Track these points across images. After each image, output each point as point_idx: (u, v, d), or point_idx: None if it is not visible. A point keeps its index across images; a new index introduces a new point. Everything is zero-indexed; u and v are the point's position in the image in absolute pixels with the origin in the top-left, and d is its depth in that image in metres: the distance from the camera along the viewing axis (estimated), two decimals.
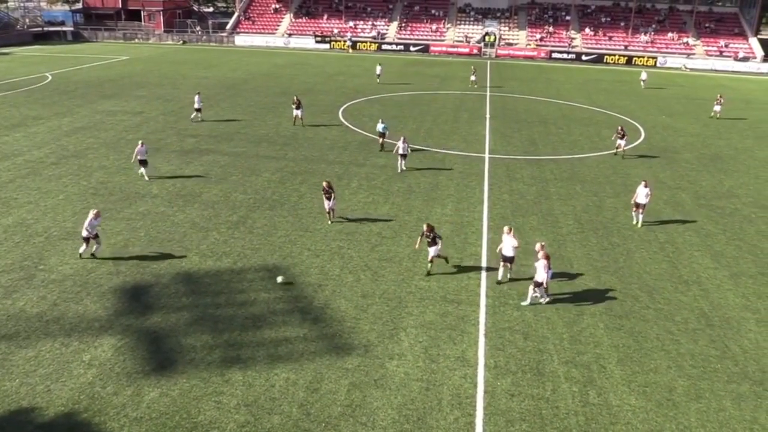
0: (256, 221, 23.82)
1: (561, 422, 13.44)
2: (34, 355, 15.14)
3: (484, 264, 20.77)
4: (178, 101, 46.21)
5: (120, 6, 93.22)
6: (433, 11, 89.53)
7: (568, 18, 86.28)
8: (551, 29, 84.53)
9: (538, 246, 18.50)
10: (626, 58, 77.84)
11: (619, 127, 34.15)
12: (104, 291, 18.24)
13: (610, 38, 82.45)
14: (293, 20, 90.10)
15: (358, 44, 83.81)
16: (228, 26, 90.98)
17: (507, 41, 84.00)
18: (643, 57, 77.82)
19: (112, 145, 33.47)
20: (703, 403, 14.22)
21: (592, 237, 23.36)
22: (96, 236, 19.99)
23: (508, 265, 19.34)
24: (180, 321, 16.87)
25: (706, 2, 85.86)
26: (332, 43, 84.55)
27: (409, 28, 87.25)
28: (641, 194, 23.96)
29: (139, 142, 28.51)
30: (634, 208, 24.51)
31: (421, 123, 41.14)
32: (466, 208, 25.76)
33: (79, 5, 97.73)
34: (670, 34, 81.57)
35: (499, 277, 19.57)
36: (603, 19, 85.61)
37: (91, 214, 19.83)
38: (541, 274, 17.47)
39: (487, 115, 44.23)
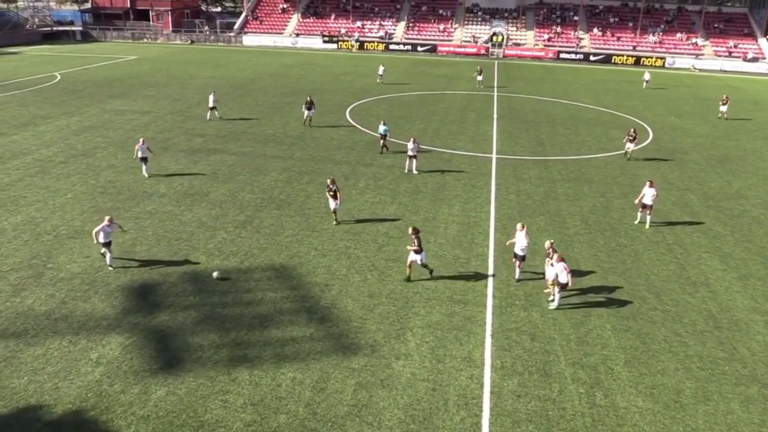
0: (264, 221, 23.87)
1: (567, 423, 13.41)
2: (42, 353, 15.23)
3: (491, 264, 20.73)
4: (185, 101, 46.36)
5: (128, 6, 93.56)
6: (440, 11, 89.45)
7: (576, 18, 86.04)
8: (559, 29, 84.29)
9: (547, 244, 18.76)
10: (634, 58, 77.53)
11: (632, 130, 33.74)
12: (112, 289, 18.32)
13: (619, 39, 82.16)
14: (301, 20, 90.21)
15: (365, 44, 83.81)
16: (236, 26, 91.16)
17: (515, 41, 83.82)
18: (652, 57, 77.52)
19: (120, 144, 33.59)
20: (711, 405, 14.15)
21: (600, 238, 23.29)
22: (109, 244, 19.43)
23: (519, 263, 19.46)
24: (187, 320, 16.92)
25: (715, 2, 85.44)
26: (340, 43, 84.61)
27: (416, 28, 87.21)
28: (648, 195, 23.87)
29: (140, 139, 28.72)
30: (641, 209, 24.42)
31: (429, 123, 41.12)
32: (473, 209, 25.72)
33: (88, 5, 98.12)
34: (678, 35, 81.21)
35: (516, 276, 19.67)
36: (611, 20, 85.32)
37: (105, 221, 19.26)
38: (564, 276, 17.46)
39: (495, 116, 44.16)
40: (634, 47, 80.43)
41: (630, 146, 33.30)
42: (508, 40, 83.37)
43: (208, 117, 40.25)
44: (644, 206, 24.18)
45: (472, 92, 53.90)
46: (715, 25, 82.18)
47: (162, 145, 33.95)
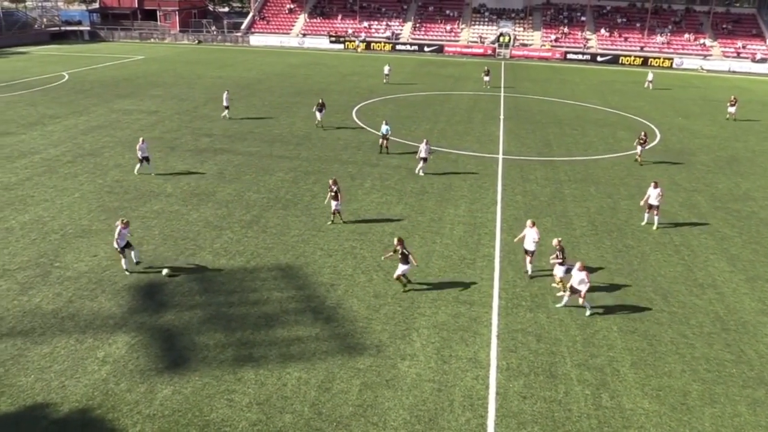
0: (270, 220, 23.90)
1: (573, 425, 13.37)
2: (49, 352, 15.30)
3: (497, 265, 20.70)
4: (192, 101, 46.49)
5: (136, 6, 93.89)
6: (447, 12, 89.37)
7: (583, 19, 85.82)
8: (566, 30, 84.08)
9: (555, 241, 18.93)
10: (642, 59, 77.25)
11: (643, 134, 33.18)
12: (119, 288, 18.38)
13: (626, 39, 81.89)
14: (308, 20, 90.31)
15: (372, 44, 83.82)
16: (243, 26, 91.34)
17: (522, 42, 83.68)
18: (660, 58, 77.24)
19: (128, 143, 33.69)
20: (718, 408, 14.09)
21: (606, 239, 23.22)
22: (128, 245, 19.21)
23: (530, 258, 19.81)
24: (193, 319, 16.97)
25: (723, 3, 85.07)
26: (346, 43, 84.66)
27: (423, 29, 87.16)
28: (653, 195, 23.79)
29: (140, 139, 28.92)
30: (647, 210, 24.34)
31: (435, 123, 41.09)
32: (479, 209, 25.69)
33: (96, 5, 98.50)
34: (686, 35, 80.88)
35: (529, 271, 19.97)
36: (619, 20, 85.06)
37: (120, 224, 18.96)
38: (583, 285, 17.32)
39: (501, 116, 44.10)
40: (642, 48, 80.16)
41: (640, 149, 32.77)
42: (515, 40, 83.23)
43: (225, 115, 40.55)
44: (651, 207, 24.11)
45: (479, 93, 53.83)
46: (724, 26, 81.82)
47: (169, 144, 34.06)
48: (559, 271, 18.65)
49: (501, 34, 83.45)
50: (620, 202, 27.09)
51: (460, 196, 27.16)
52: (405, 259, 18.21)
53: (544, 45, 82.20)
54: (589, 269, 20.34)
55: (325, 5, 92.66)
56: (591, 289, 19.17)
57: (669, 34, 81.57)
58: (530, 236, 19.47)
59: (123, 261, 19.33)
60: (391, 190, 27.65)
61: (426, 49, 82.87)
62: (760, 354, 16.19)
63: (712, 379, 15.12)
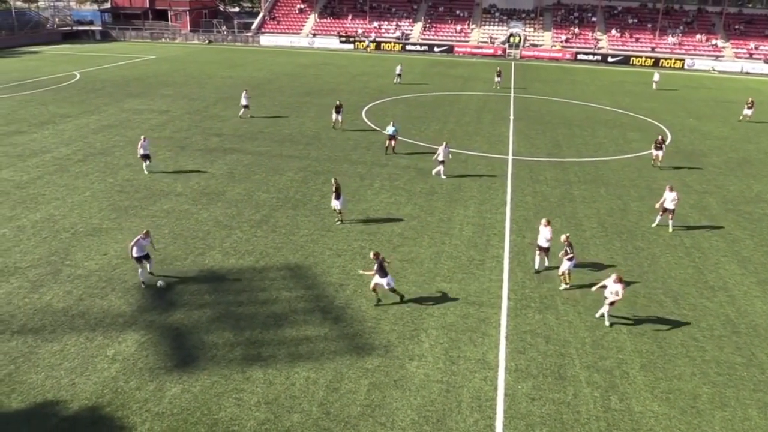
0: (279, 220, 23.96)
1: (582, 427, 13.32)
2: (59, 349, 15.39)
3: (506, 266, 20.65)
4: (203, 100, 46.67)
5: (147, 6, 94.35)
6: (457, 12, 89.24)
7: (594, 19, 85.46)
8: (577, 30, 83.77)
9: (563, 237, 19.09)
10: (653, 59, 76.84)
11: (659, 137, 32.46)
12: (128, 287, 18.47)
13: (637, 40, 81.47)
14: (318, 20, 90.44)
15: (382, 45, 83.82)
16: (253, 26, 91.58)
17: (532, 42, 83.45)
18: (671, 59, 76.81)
19: (138, 143, 33.81)
20: (728, 411, 13.99)
21: (616, 240, 23.11)
22: (147, 256, 18.56)
23: (543, 254, 20.05)
24: (202, 318, 17.03)
25: (735, 3, 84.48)
26: (356, 43, 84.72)
27: (433, 29, 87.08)
28: (668, 199, 23.61)
29: (142, 136, 29.17)
30: (661, 213, 24.16)
31: (444, 124, 41.04)
32: (488, 210, 25.64)
33: (108, 5, 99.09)
34: (698, 36, 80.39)
35: (536, 266, 20.24)
36: (630, 21, 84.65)
37: (140, 234, 18.52)
38: (618, 296, 16.87)
39: (511, 117, 43.99)
40: (653, 48, 79.73)
41: (658, 154, 31.89)
42: (525, 41, 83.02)
43: (245, 113, 40.92)
44: (665, 210, 23.91)
45: (489, 93, 53.72)
46: (736, 27, 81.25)
47: (179, 144, 34.21)
48: (565, 266, 18.94)
49: (511, 35, 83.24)
50: (630, 204, 26.95)
51: (470, 197, 27.12)
52: (382, 271, 17.45)
53: (555, 45, 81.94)
54: (596, 276, 20.30)
55: (336, 5, 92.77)
56: (601, 292, 19.11)
57: (680, 34, 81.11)
58: (544, 235, 19.83)
59: (140, 272, 18.55)
60: (400, 191, 27.64)
61: (436, 49, 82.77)
62: None
63: (722, 382, 15.02)
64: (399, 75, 57.07)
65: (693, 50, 78.83)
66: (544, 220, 20.12)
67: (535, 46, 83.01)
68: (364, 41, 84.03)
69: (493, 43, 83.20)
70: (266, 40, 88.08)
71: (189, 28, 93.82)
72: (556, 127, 41.33)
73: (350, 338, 16.29)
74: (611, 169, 32.12)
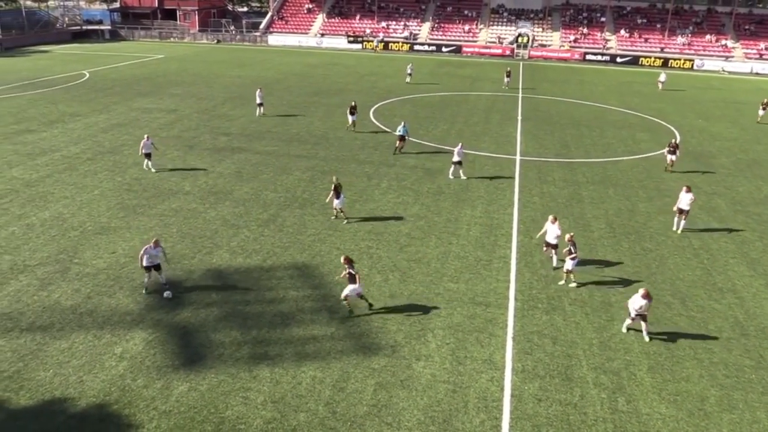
0: (286, 219, 23.99)
1: (589, 429, 13.28)
2: (67, 347, 15.48)
3: (513, 267, 20.61)
4: (211, 100, 46.80)
5: (156, 5, 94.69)
6: (465, 12, 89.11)
7: (603, 19, 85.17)
8: (585, 30, 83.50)
9: (567, 236, 19.20)
10: (662, 60, 76.49)
11: (673, 141, 32.04)
12: (136, 285, 18.54)
13: (646, 40, 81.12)
14: (326, 20, 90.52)
15: (390, 44, 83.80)
16: (261, 26, 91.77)
17: (540, 42, 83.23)
18: (680, 59, 76.44)
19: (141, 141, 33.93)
20: (737, 414, 13.91)
21: (624, 242, 23.02)
22: (158, 266, 18.02)
23: (552, 250, 20.42)
24: (209, 317, 17.08)
25: (746, 4, 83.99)
26: (364, 43, 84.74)
27: (441, 29, 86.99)
28: (684, 200, 23.43)
29: (145, 136, 29.34)
30: (678, 214, 23.97)
31: (452, 124, 40.99)
32: (496, 210, 25.59)
33: (117, 4, 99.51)
34: (708, 36, 79.97)
35: (555, 264, 20.47)
36: (639, 21, 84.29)
37: (150, 243, 17.94)
38: (644, 311, 16.39)
39: (519, 117, 43.89)
40: (662, 49, 79.37)
41: (669, 157, 31.49)
42: (533, 41, 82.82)
43: (261, 112, 41.49)
44: (681, 211, 23.73)
45: (497, 93, 53.62)
46: (746, 27, 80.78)
47: (187, 143, 34.32)
48: (569, 264, 19.08)
49: (519, 35, 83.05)
50: (638, 205, 26.84)
51: (477, 197, 27.08)
52: (352, 279, 16.89)
53: (563, 46, 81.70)
54: (604, 277, 20.23)
55: (344, 5, 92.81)
56: (609, 293, 19.05)
57: (690, 35, 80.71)
58: (552, 232, 20.11)
59: (145, 279, 18.13)
60: (407, 191, 27.63)
61: (444, 49, 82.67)
62: None
63: (730, 384, 14.94)
64: (410, 74, 57.19)
65: (702, 51, 78.42)
66: (551, 217, 20.37)
67: (544, 46, 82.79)
68: (372, 41, 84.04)
69: (502, 43, 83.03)
70: (274, 39, 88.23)
71: (198, 27, 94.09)
72: (565, 127, 41.22)
73: (357, 338, 16.29)
74: (620, 169, 32.00)
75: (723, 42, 78.84)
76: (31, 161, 30.18)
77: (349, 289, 17.01)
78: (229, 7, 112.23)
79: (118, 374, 14.51)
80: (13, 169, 28.87)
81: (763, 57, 76.30)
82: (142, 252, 17.80)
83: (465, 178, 29.28)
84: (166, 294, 17.89)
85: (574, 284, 19.35)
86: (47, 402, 13.52)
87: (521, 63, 76.11)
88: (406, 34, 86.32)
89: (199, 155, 32.08)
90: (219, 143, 34.52)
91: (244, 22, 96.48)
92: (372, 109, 44.68)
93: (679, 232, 23.91)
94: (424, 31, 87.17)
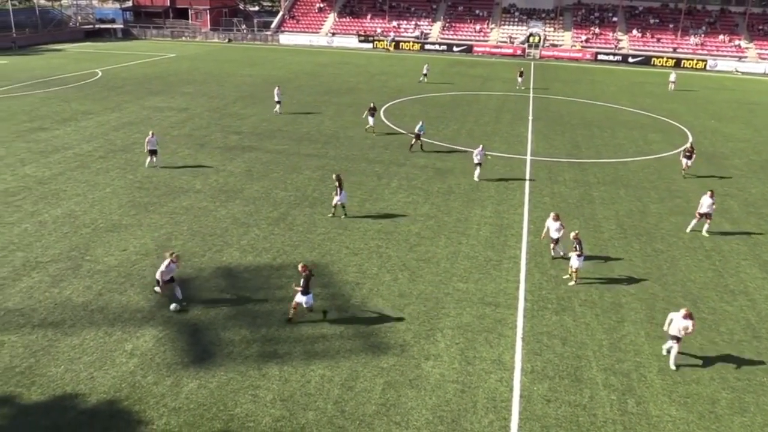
0: (296, 218, 24.04)
1: (598, 430, 13.22)
2: (79, 343, 15.58)
3: (523, 267, 20.55)
4: (222, 98, 46.96)
5: (168, 4, 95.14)
6: (477, 11, 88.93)
7: (615, 19, 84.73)
8: (597, 30, 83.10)
9: (572, 234, 19.30)
10: (675, 60, 75.99)
11: (689, 145, 31.20)
12: (147, 283, 18.63)
13: (659, 40, 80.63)
14: (337, 19, 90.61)
15: (401, 44, 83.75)
16: (273, 25, 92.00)
17: (552, 42, 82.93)
18: (693, 60, 75.91)
19: (158, 140, 34.08)
20: (748, 417, 13.81)
21: (635, 243, 22.90)
22: (172, 279, 17.40)
23: (553, 245, 20.92)
24: (219, 315, 17.14)
25: (759, 3, 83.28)
26: (375, 42, 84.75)
27: (452, 29, 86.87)
28: (705, 204, 23.26)
29: (150, 132, 29.49)
30: (698, 218, 23.76)
31: (463, 124, 40.92)
32: (506, 210, 25.52)
33: (129, 3, 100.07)
34: (721, 37, 79.36)
35: (553, 254, 21.18)
36: (651, 21, 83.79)
37: (168, 258, 17.20)
38: (688, 331, 15.21)
39: (530, 117, 43.75)
40: (675, 49, 78.85)
41: (685, 162, 30.85)
42: (545, 40, 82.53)
43: (277, 110, 41.91)
44: (701, 215, 23.49)
45: (508, 93, 53.48)
46: (760, 27, 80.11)
47: (198, 141, 34.46)
48: (575, 263, 19.13)
49: (531, 35, 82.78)
50: (650, 206, 26.69)
51: (487, 197, 27.01)
52: (306, 290, 16.30)
53: (575, 45, 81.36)
54: (615, 278, 20.13)
55: (355, 5, 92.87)
56: (619, 294, 18.96)
57: (703, 35, 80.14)
58: (552, 227, 20.58)
59: (156, 287, 17.69)
60: (417, 190, 27.61)
61: (455, 48, 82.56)
62: None
63: (742, 387, 14.82)
64: (425, 74, 57.22)
65: (715, 51, 77.84)
66: (552, 214, 20.80)
67: (555, 46, 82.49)
68: (384, 41, 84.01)
69: (513, 42, 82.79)
70: (285, 39, 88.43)
71: (209, 26, 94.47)
72: (576, 127, 41.04)
73: (366, 337, 16.30)
74: (631, 170, 31.83)
75: (736, 42, 78.23)
76: (44, 159, 30.41)
77: (301, 298, 16.37)
78: (241, 7, 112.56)
79: (129, 371, 14.59)
80: (26, 167, 29.10)
81: None
82: (164, 269, 17.02)
83: (477, 180, 29.09)
84: (173, 307, 17.19)
85: (572, 283, 19.39)
86: (58, 398, 13.62)
87: (532, 63, 75.84)
88: (417, 33, 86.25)
89: (210, 154, 32.21)
90: (230, 142, 34.64)
91: (255, 21, 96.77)
92: (382, 109, 44.66)
93: (687, 231, 23.76)
94: (435, 30, 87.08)
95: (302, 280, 16.32)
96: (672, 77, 58.87)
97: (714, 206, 23.47)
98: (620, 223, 24.75)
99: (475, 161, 28.98)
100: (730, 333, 17.13)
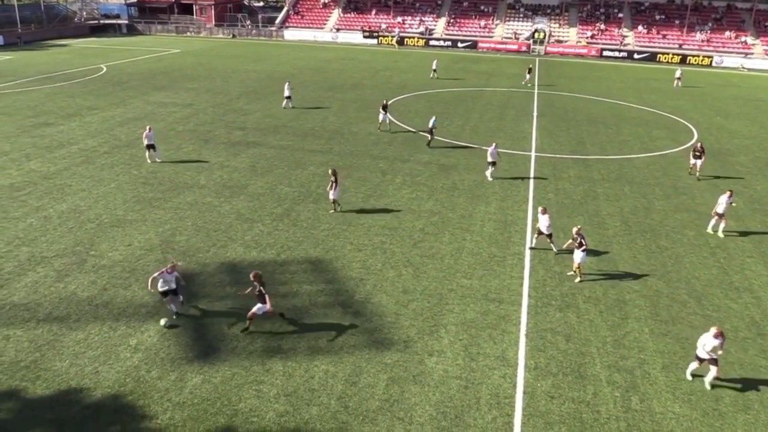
0: (300, 214, 24.06)
1: (601, 427, 13.22)
2: (83, 338, 15.64)
3: (527, 263, 20.54)
4: (226, 94, 46.97)
5: (173, 0, 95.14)
6: (481, 7, 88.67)
7: (620, 15, 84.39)
8: (603, 26, 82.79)
9: (575, 229, 19.30)
10: (680, 56, 75.67)
11: (699, 145, 30.50)
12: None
13: (664, 36, 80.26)
14: (342, 15, 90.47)
15: (405, 40, 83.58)
16: (277, 20, 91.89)
17: (557, 38, 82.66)
18: (699, 56, 75.55)
19: (162, 136, 34.17)
20: (752, 414, 13.78)
21: (640, 239, 22.85)
22: (174, 291, 16.63)
23: (547, 239, 21.16)
24: (223, 310, 17.17)
25: (766, 0, 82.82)
26: (380, 38, 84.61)
27: (457, 24, 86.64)
28: (722, 204, 23.12)
29: (147, 127, 29.59)
30: (716, 218, 23.57)
31: (467, 120, 40.85)
32: (510, 207, 25.49)
33: None
34: (727, 33, 78.95)
35: (532, 244, 21.70)
36: (657, 17, 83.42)
37: (167, 267, 16.46)
38: (717, 352, 14.43)
39: (535, 113, 43.64)
40: (681, 45, 78.50)
41: (693, 161, 30.19)
42: (550, 36, 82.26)
43: (283, 105, 42.22)
44: (719, 215, 23.38)
45: (513, 89, 53.35)
46: (766, 24, 79.66)
47: (203, 137, 34.49)
48: (578, 258, 19.14)
49: (536, 30, 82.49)
50: (654, 203, 26.62)
51: (492, 193, 26.98)
52: (262, 298, 15.90)
53: (580, 41, 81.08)
54: (619, 274, 20.10)
55: (359, 0, 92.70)
56: (623, 291, 18.94)
57: (709, 31, 79.75)
58: (543, 222, 20.80)
59: (167, 304, 16.80)
60: (421, 186, 27.59)
61: (460, 44, 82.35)
62: None
63: (746, 384, 14.78)
64: (434, 70, 57.30)
65: (722, 47, 77.46)
66: (540, 209, 21.06)
67: (560, 42, 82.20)
68: (389, 36, 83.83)
69: (518, 38, 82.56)
70: (290, 34, 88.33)
71: (214, 22, 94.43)
72: (580, 124, 40.94)
73: (370, 333, 16.32)
74: (636, 167, 31.74)
75: (743, 39, 77.83)
76: (49, 154, 30.48)
77: (257, 307, 15.98)
78: (245, 2, 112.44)
79: (133, 365, 14.65)
80: (32, 162, 29.18)
81: None
82: (156, 275, 16.27)
83: (490, 179, 28.67)
84: (163, 322, 16.36)
85: (578, 279, 19.41)
86: (63, 392, 13.69)
87: (537, 59, 75.61)
88: (421, 29, 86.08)
89: (215, 149, 32.24)
90: (234, 137, 34.66)
91: (260, 16, 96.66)
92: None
93: (709, 230, 23.63)
94: (439, 26, 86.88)
95: (257, 289, 15.82)
96: (678, 74, 58.63)
97: (728, 206, 23.09)
98: (625, 219, 24.70)
99: (489, 160, 28.64)
100: (735, 330, 17.10)
